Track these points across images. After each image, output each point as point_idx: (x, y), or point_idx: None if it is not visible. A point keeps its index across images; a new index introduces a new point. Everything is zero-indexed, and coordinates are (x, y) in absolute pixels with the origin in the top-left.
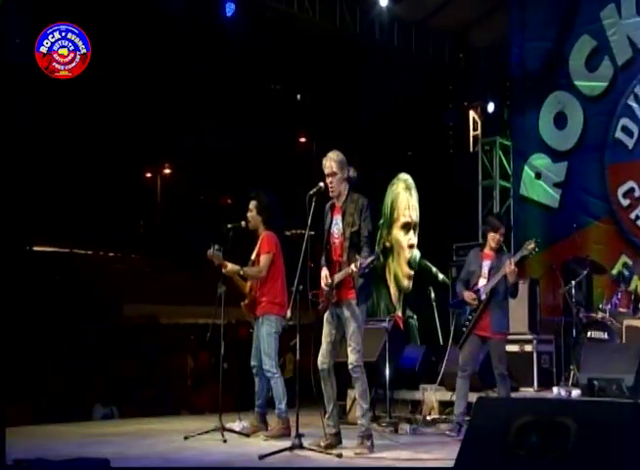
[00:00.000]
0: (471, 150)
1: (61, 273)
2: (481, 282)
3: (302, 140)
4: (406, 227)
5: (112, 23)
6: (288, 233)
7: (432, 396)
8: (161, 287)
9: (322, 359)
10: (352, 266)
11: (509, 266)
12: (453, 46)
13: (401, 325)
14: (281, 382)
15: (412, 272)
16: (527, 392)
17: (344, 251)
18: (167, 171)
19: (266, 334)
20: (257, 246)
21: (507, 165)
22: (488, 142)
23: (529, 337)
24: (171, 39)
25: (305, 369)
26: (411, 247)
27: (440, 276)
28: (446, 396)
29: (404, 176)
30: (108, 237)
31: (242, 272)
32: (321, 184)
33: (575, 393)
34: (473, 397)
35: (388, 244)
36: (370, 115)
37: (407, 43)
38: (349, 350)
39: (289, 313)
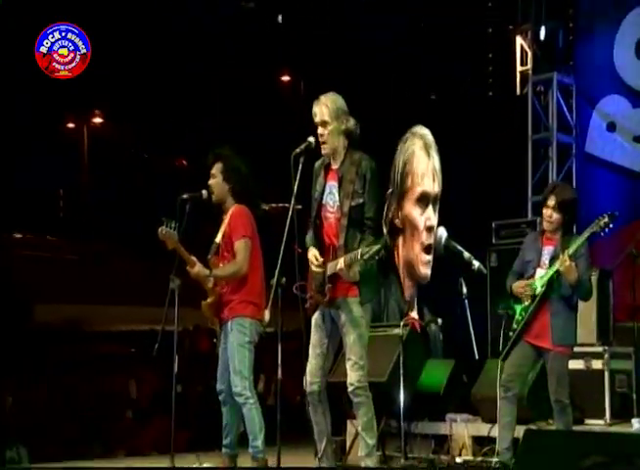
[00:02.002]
0: (518, 92)
1: None
2: (539, 274)
3: (286, 79)
4: (423, 201)
5: (112, 23)
6: (265, 207)
7: (463, 429)
8: (90, 281)
9: (310, 379)
10: (344, 258)
11: (562, 260)
12: None
13: (419, 331)
14: (257, 410)
15: (430, 258)
16: (597, 425)
17: (342, 231)
18: (97, 121)
19: (237, 344)
20: (225, 225)
21: (568, 113)
22: (542, 80)
23: (599, 349)
24: (171, 39)
25: (290, 393)
26: (430, 229)
27: (475, 264)
28: (483, 429)
29: (421, 130)
30: (12, 212)
31: (211, 281)
32: (311, 139)
33: None
34: (520, 431)
35: (397, 221)
36: (378, 43)
37: None
38: (349, 365)
39: (267, 315)
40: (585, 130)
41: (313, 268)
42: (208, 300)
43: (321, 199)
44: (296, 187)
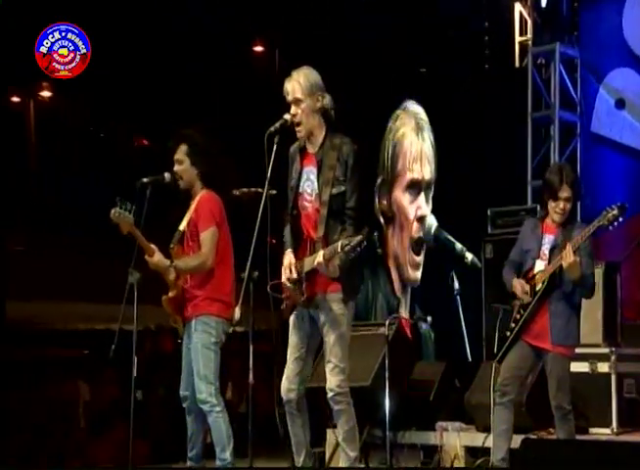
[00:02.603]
0: (516, 64)
1: None
2: (539, 266)
3: (259, 49)
4: (414, 188)
5: (112, 23)
6: (236, 192)
7: (454, 439)
8: (38, 275)
9: (287, 385)
10: (323, 252)
11: (567, 255)
12: None
13: (408, 331)
14: (224, 419)
15: (420, 259)
16: (602, 434)
17: (321, 222)
18: (45, 94)
19: (202, 346)
20: (191, 212)
21: (572, 88)
22: (543, 52)
23: (605, 350)
24: (171, 39)
25: (262, 399)
26: (421, 220)
27: (468, 256)
28: (477, 439)
29: (414, 109)
30: None
31: (172, 272)
32: (286, 116)
33: None
34: (517, 440)
35: (387, 209)
36: (362, 10)
37: None
38: (328, 369)
39: (237, 313)
40: (591, 107)
41: (284, 279)
42: (170, 294)
43: (298, 186)
44: (270, 170)
